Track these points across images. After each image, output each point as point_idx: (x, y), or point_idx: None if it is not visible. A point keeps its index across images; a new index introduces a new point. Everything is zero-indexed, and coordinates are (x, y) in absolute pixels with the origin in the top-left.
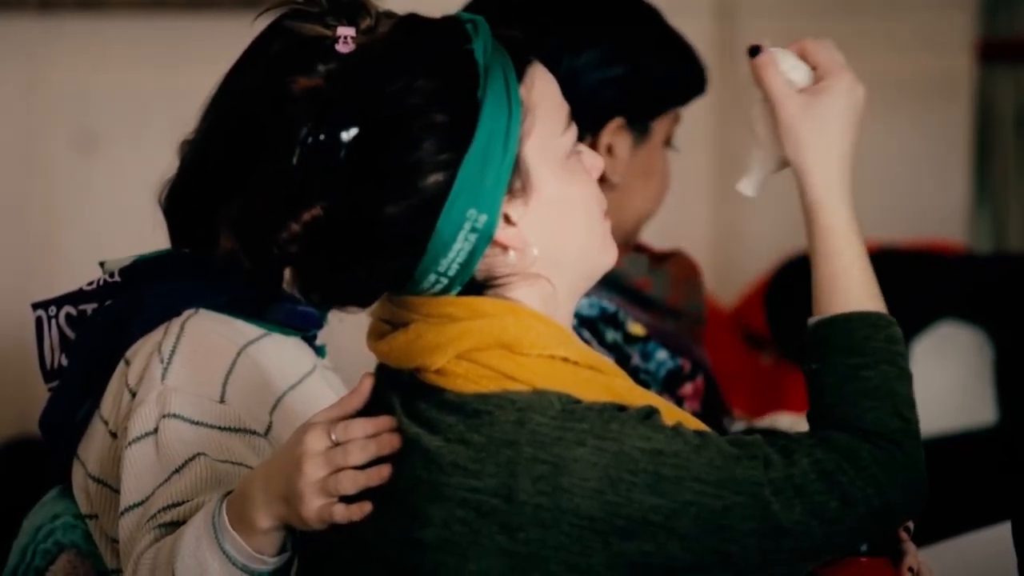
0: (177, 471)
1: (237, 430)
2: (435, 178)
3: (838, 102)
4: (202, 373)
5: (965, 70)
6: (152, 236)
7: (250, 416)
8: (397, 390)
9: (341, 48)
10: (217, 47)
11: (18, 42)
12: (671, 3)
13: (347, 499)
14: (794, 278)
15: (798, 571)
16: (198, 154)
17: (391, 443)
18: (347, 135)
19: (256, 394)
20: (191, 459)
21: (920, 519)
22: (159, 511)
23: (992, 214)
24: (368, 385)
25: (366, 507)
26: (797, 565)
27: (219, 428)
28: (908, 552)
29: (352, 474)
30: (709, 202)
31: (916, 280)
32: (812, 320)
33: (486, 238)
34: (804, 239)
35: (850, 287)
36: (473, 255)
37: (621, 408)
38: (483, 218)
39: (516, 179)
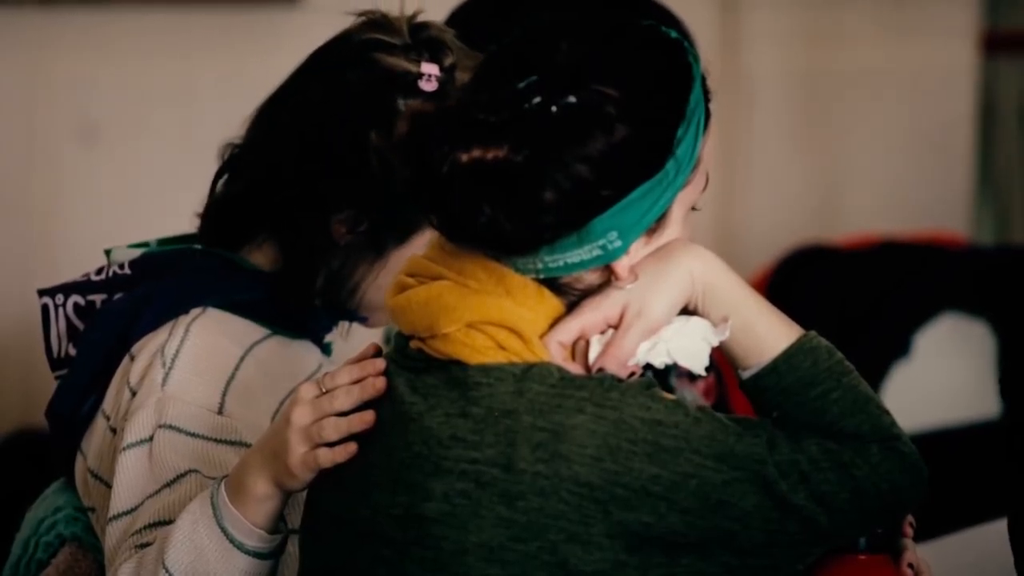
0: (168, 485)
1: (233, 443)
2: (608, 192)
3: (674, 250)
4: (203, 380)
5: (968, 62)
6: (154, 227)
7: (248, 426)
8: (404, 370)
9: (425, 86)
10: (220, 40)
11: (20, 34)
12: None
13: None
14: (795, 271)
15: (802, 556)
16: (261, 162)
17: (375, 386)
18: (571, 100)
19: (257, 400)
20: (183, 475)
21: (922, 513)
22: (144, 527)
23: (994, 206)
24: (370, 353)
25: (351, 447)
26: (801, 550)
27: (215, 440)
28: (907, 548)
29: (335, 421)
30: (710, 196)
31: (918, 272)
32: (747, 373)
33: (605, 260)
34: (805, 233)
35: (766, 330)
36: (581, 265)
37: (619, 380)
38: (617, 244)
39: (657, 221)
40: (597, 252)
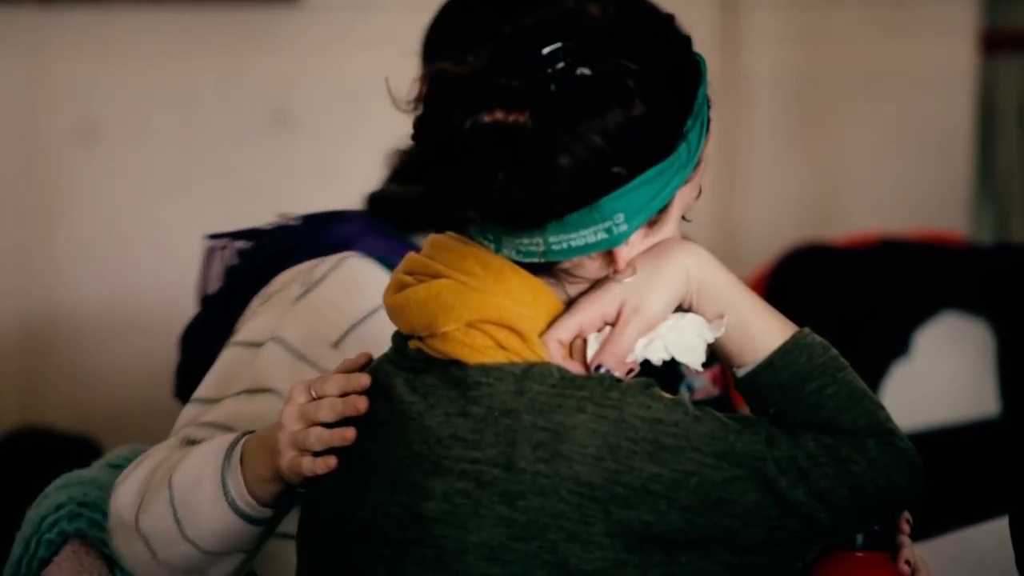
0: (250, 392)
1: None
2: (619, 169)
3: (670, 249)
4: (334, 312)
5: (968, 60)
6: (154, 226)
7: None
8: (403, 370)
9: None
10: (220, 39)
11: (20, 34)
12: None
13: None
14: (795, 270)
15: (801, 554)
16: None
17: (356, 405)
18: (594, 69)
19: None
20: (267, 391)
21: (922, 511)
22: (207, 423)
23: (994, 205)
24: (360, 363)
25: (331, 461)
26: (800, 547)
27: (318, 369)
28: (904, 546)
29: (319, 431)
30: (710, 193)
31: (918, 271)
32: (742, 371)
33: (608, 244)
34: (804, 232)
35: (761, 328)
36: (584, 249)
37: (619, 379)
38: (623, 228)
39: (659, 212)
40: (602, 235)
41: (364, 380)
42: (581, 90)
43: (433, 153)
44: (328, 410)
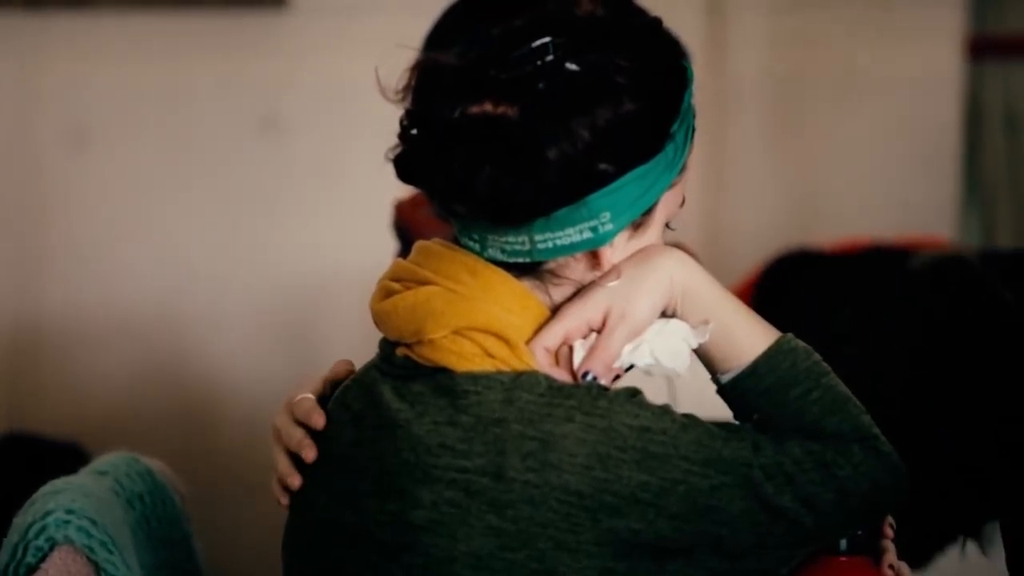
0: None
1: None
2: (606, 166)
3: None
4: None
5: (954, 66)
6: (143, 231)
7: None
8: (390, 377)
9: None
10: (210, 43)
11: (9, 39)
12: None
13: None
14: (783, 276)
15: (787, 559)
16: None
17: (306, 455)
18: (583, 63)
19: None
20: None
21: (912, 515)
22: None
23: (981, 211)
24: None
25: (283, 485)
26: (786, 552)
27: None
28: (887, 550)
29: (283, 460)
30: (699, 196)
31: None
32: (726, 377)
33: (594, 244)
34: (796, 234)
35: (745, 334)
36: (570, 248)
37: (606, 388)
38: (608, 227)
39: (644, 214)
40: (588, 234)
41: (320, 420)
42: (569, 85)
43: (422, 144)
44: (281, 445)
